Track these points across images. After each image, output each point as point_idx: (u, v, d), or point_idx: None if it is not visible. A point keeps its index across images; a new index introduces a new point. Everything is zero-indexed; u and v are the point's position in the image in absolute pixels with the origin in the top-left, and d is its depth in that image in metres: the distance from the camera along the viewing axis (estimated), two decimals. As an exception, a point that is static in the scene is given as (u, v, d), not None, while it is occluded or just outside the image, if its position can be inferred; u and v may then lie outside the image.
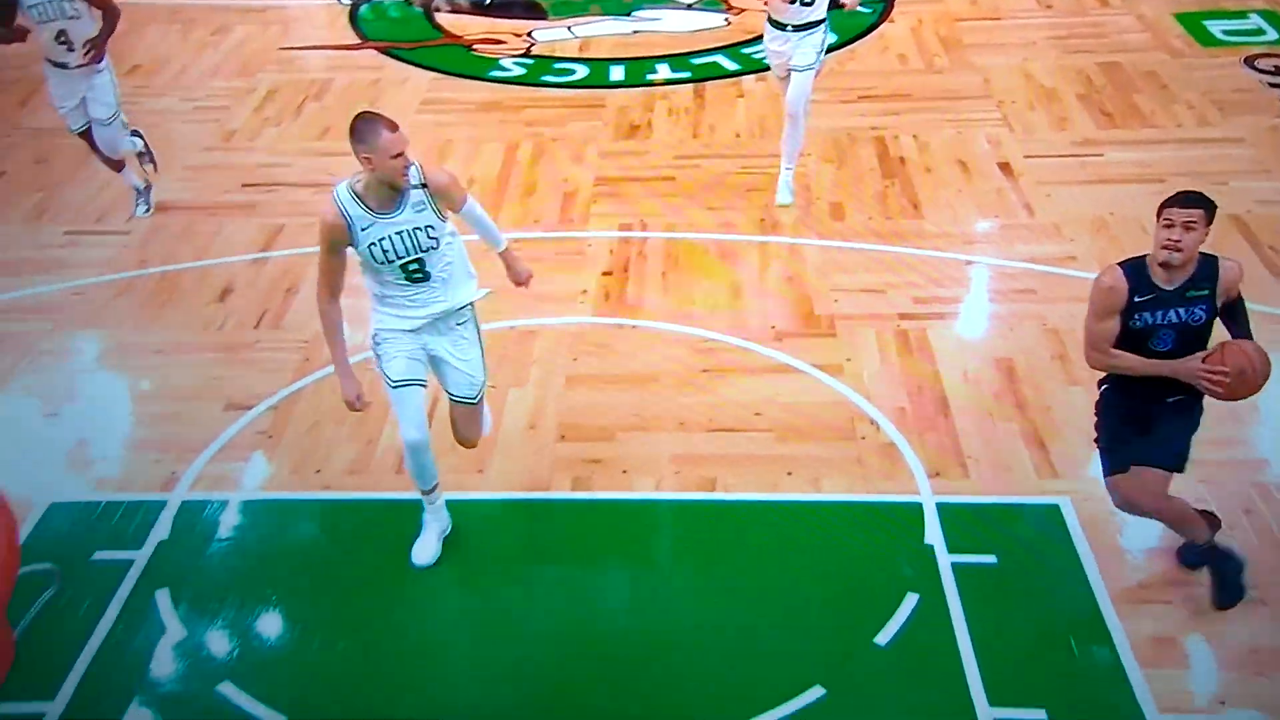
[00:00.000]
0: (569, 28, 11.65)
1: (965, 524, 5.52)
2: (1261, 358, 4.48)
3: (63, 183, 9.14)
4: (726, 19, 11.74)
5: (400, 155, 4.40)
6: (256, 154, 9.58)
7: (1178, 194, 4.50)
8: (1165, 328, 4.57)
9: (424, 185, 4.65)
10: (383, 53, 11.41)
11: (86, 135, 8.12)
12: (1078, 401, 6.11)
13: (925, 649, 4.87)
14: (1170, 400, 4.80)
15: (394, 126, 4.43)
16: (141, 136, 8.44)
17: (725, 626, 5.05)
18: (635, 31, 11.51)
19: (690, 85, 10.50)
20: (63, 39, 7.65)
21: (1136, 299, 4.55)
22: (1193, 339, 4.60)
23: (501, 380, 6.57)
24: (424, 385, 5.05)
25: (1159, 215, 4.46)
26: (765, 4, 7.99)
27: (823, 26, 7.83)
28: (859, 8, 9.68)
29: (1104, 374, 5.00)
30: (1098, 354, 4.71)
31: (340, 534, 5.74)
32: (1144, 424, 4.89)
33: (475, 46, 11.32)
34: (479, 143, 9.57)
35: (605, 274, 7.69)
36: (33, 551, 5.10)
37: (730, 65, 10.78)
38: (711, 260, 7.81)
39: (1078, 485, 5.68)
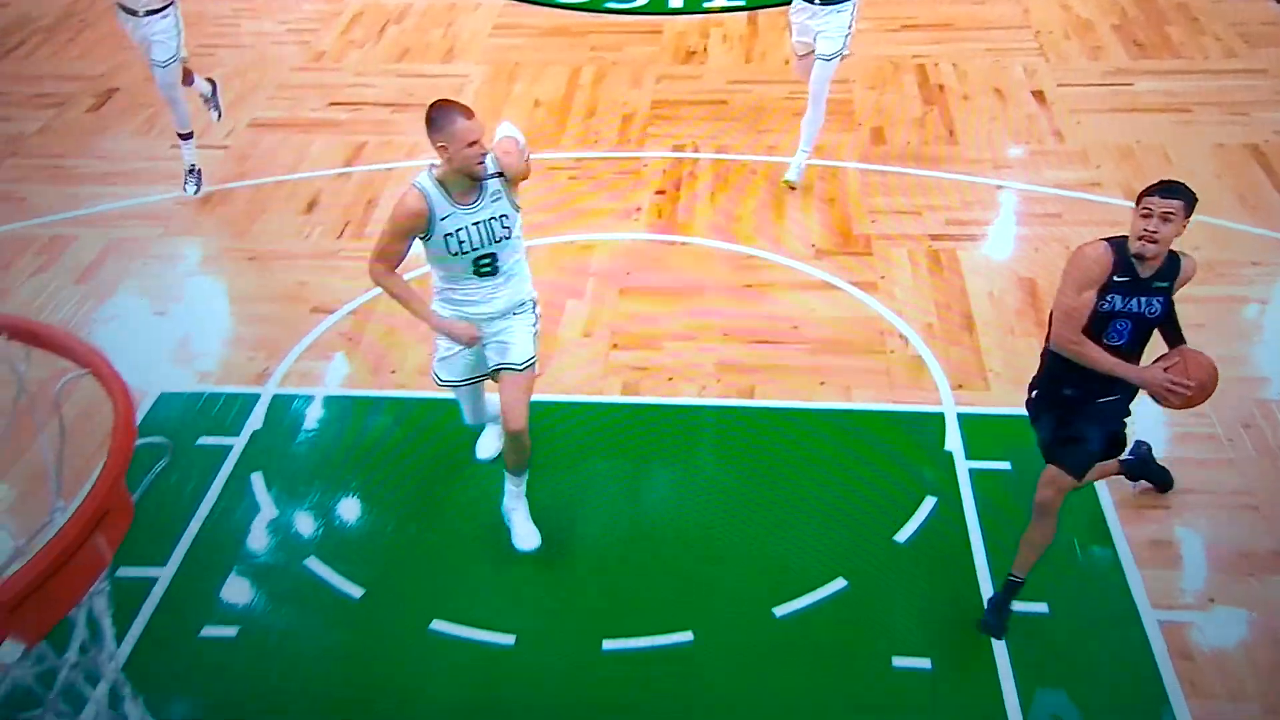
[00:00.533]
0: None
1: (984, 433, 5.47)
2: (1215, 370, 4.17)
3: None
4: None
5: (476, 143, 4.00)
6: (342, 74, 9.48)
7: (1159, 184, 4.06)
8: (1125, 316, 4.15)
9: (499, 174, 4.24)
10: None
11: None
12: (1094, 320, 6.05)
13: (940, 547, 4.89)
14: (1102, 401, 4.40)
15: (469, 114, 4.04)
16: (214, 84, 8.09)
17: (759, 521, 5.06)
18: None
19: (744, 13, 10.21)
20: None
21: (1116, 278, 4.12)
22: (1145, 332, 4.25)
23: (560, 292, 6.57)
24: (477, 384, 4.83)
25: (1138, 202, 4.04)
26: None
27: (851, 5, 6.94)
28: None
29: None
30: (1070, 335, 4.10)
31: (413, 428, 5.75)
32: (1066, 413, 4.46)
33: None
34: (544, 65, 9.40)
35: (658, 192, 7.59)
36: (145, 435, 5.21)
37: (781, -5, 10.48)
38: (758, 181, 7.66)
39: (1090, 399, 5.59)
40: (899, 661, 4.36)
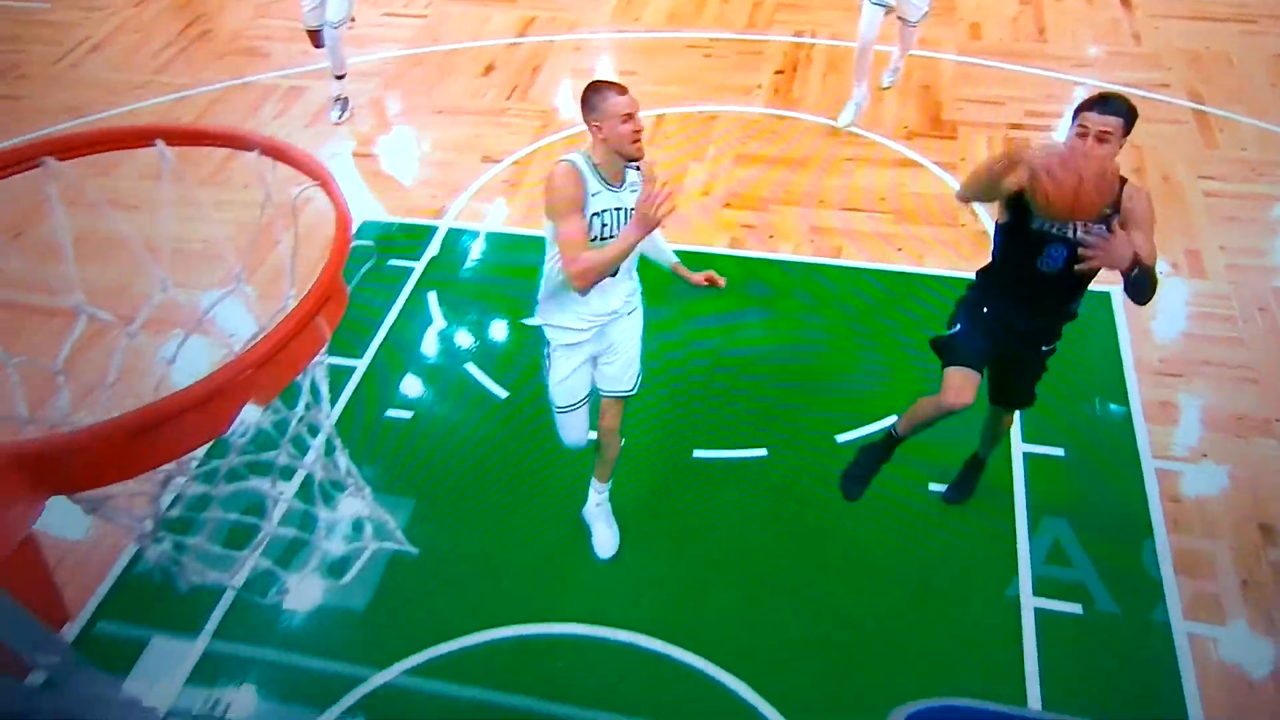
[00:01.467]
0: None
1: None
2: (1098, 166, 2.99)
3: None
4: None
5: (630, 118, 3.31)
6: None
7: (1098, 97, 3.24)
8: (1061, 241, 3.32)
9: (638, 166, 3.52)
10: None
11: (315, 35, 6.87)
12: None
13: (980, 397, 4.84)
14: (1045, 349, 3.78)
15: (623, 90, 3.35)
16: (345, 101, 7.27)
17: (830, 362, 5.11)
18: None
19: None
20: None
21: None
22: (1079, 264, 3.26)
23: (684, 155, 6.54)
24: (588, 401, 3.99)
25: (1074, 118, 3.25)
26: None
27: None
28: None
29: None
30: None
31: None
32: (999, 344, 3.71)
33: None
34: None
35: (777, 72, 7.38)
36: (352, 254, 5.44)
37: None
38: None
39: (1129, 278, 5.42)
40: (934, 486, 4.43)
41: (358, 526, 3.09)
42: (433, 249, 5.93)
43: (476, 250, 5.96)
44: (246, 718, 3.77)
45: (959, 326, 3.80)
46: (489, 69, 7.63)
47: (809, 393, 4.95)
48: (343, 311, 2.32)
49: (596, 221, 3.44)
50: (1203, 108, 6.72)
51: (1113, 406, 4.75)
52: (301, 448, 2.75)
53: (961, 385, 3.64)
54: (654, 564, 4.24)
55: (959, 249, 5.70)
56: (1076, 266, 3.22)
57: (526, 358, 5.17)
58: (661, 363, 5.01)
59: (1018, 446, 4.58)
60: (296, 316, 2.10)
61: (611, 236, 3.46)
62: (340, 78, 7.07)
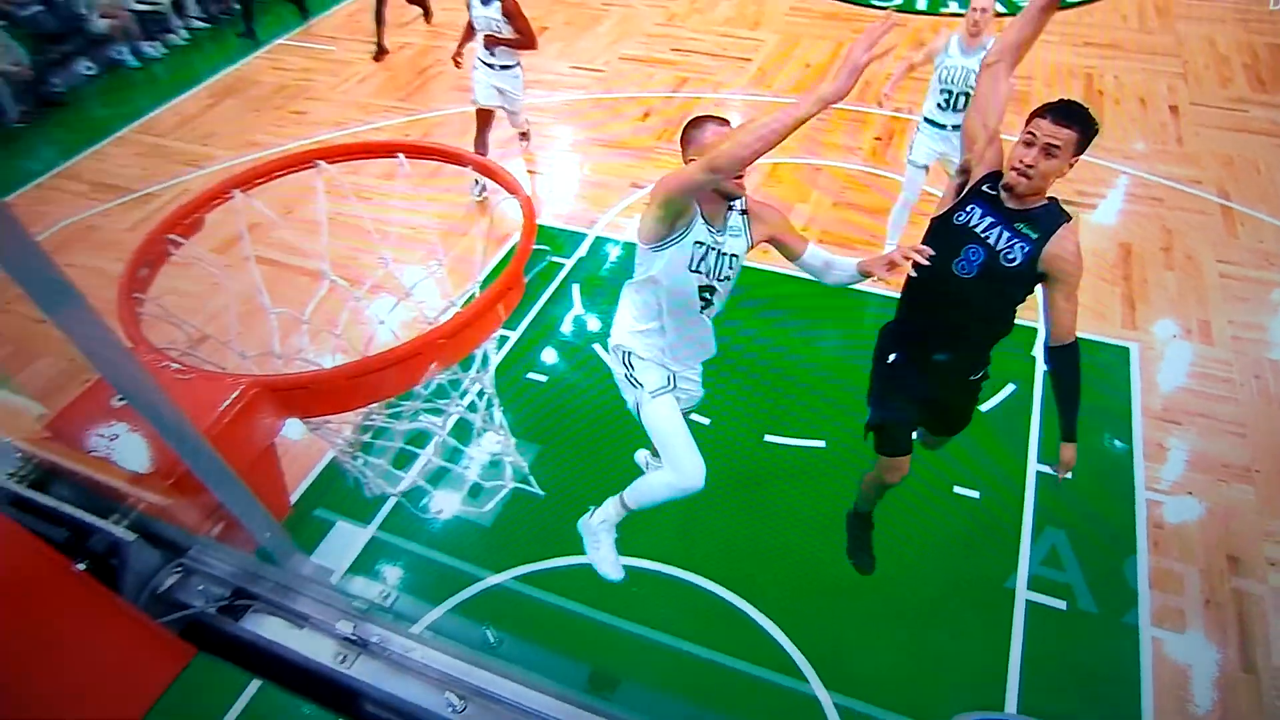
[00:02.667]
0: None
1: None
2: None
3: (573, 30, 9.27)
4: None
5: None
6: (683, 30, 9.24)
7: (1056, 103, 2.47)
8: (979, 244, 2.60)
9: (744, 211, 2.79)
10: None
11: (481, 114, 6.23)
12: (1168, 282, 5.54)
13: (1008, 420, 4.72)
14: (973, 379, 3.06)
15: (724, 122, 2.63)
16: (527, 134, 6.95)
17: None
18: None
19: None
20: (488, 45, 5.90)
21: (985, 187, 2.64)
22: (996, 283, 2.61)
23: (791, 196, 6.48)
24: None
25: (1027, 123, 2.49)
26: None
27: None
28: None
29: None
30: None
31: None
32: (922, 396, 3.07)
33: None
34: (819, 39, 8.90)
35: (876, 138, 7.24)
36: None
37: (999, 6, 9.37)
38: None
39: (1148, 339, 5.18)
40: (957, 489, 4.34)
41: (497, 465, 3.20)
42: (581, 251, 6.04)
43: (615, 255, 6.03)
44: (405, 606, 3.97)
45: (880, 410, 3.13)
46: (647, 115, 7.68)
47: (859, 394, 4.81)
48: (518, 300, 2.35)
49: (697, 252, 2.66)
50: (1229, 204, 6.32)
51: (1118, 442, 4.56)
52: (467, 400, 2.87)
53: (899, 466, 3.14)
54: (717, 522, 4.25)
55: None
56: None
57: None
58: (728, 355, 4.96)
59: (1032, 465, 4.44)
60: (483, 301, 2.15)
61: (704, 274, 2.70)
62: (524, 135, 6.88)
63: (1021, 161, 2.49)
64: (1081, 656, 3.66)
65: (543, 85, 8.14)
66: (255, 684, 3.48)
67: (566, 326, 5.43)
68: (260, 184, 2.58)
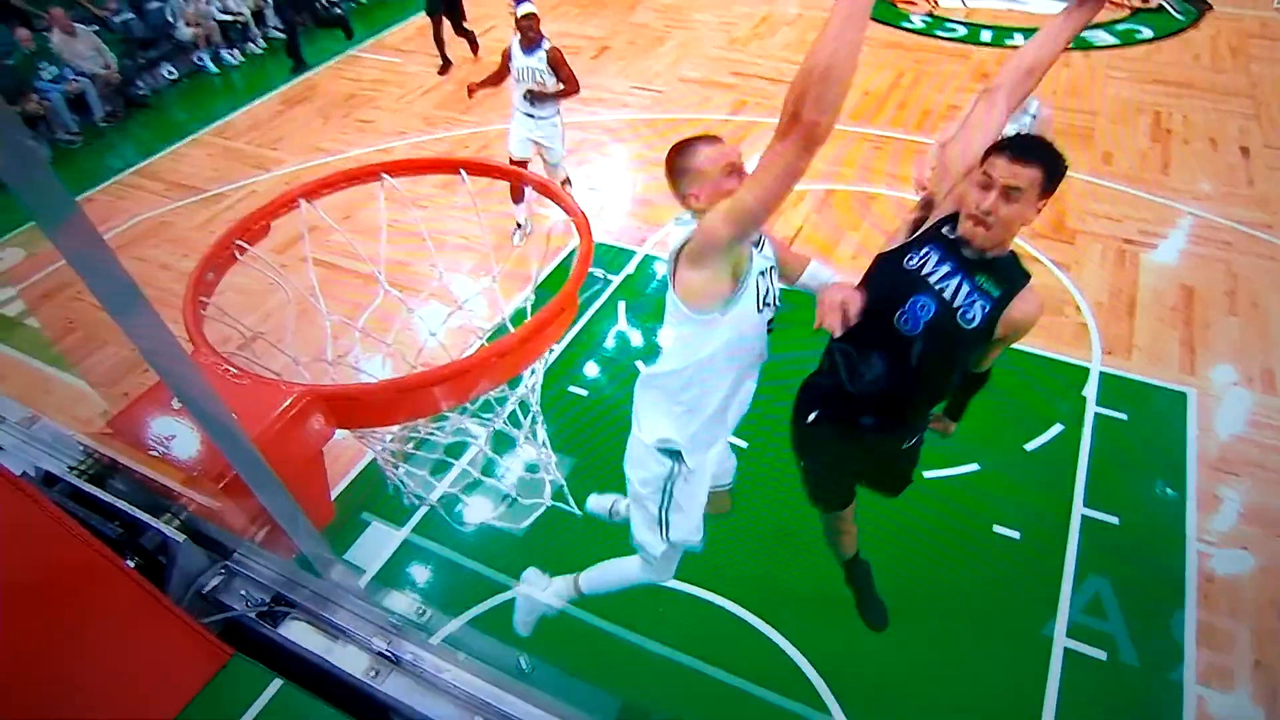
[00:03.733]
0: (964, 1, 10.31)
1: (1115, 388, 4.99)
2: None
3: (635, 49, 9.30)
4: (1076, 5, 9.98)
5: (733, 167, 2.15)
6: (744, 55, 9.27)
7: (1015, 139, 2.07)
8: (931, 295, 2.15)
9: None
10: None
11: (517, 164, 5.80)
12: (1230, 327, 5.35)
13: (1055, 460, 4.57)
14: (905, 446, 2.59)
15: (715, 139, 2.28)
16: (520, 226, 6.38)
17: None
18: (1009, 9, 10.05)
19: (1033, 49, 9.12)
20: (529, 96, 5.64)
21: (945, 228, 2.20)
22: (945, 344, 2.18)
23: (843, 224, 6.39)
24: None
25: (981, 162, 2.06)
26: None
27: None
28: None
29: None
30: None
31: None
32: (851, 466, 2.73)
33: (898, 2, 10.28)
34: (879, 67, 8.84)
35: (933, 169, 7.11)
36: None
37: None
38: (1005, 175, 7.03)
39: (1206, 385, 4.99)
40: (997, 528, 4.22)
41: (535, 483, 3.20)
42: (629, 268, 6.03)
43: (662, 273, 5.97)
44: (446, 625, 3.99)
45: (805, 469, 2.75)
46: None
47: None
48: (570, 321, 2.32)
49: (761, 282, 2.27)
50: (1301, 249, 6.11)
51: (1170, 490, 4.40)
52: (512, 416, 2.87)
53: (844, 517, 2.90)
54: (743, 548, 4.15)
55: (1059, 335, 5.37)
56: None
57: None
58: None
59: (1078, 508, 4.31)
60: (536, 322, 2.10)
61: (769, 304, 2.30)
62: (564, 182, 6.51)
63: (978, 207, 2.03)
64: (1121, 710, 3.52)
65: (600, 103, 8.20)
66: (278, 683, 3.52)
67: (610, 341, 5.42)
68: (326, 194, 2.62)
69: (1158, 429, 4.71)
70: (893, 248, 2.30)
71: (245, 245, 2.42)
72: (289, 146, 7.72)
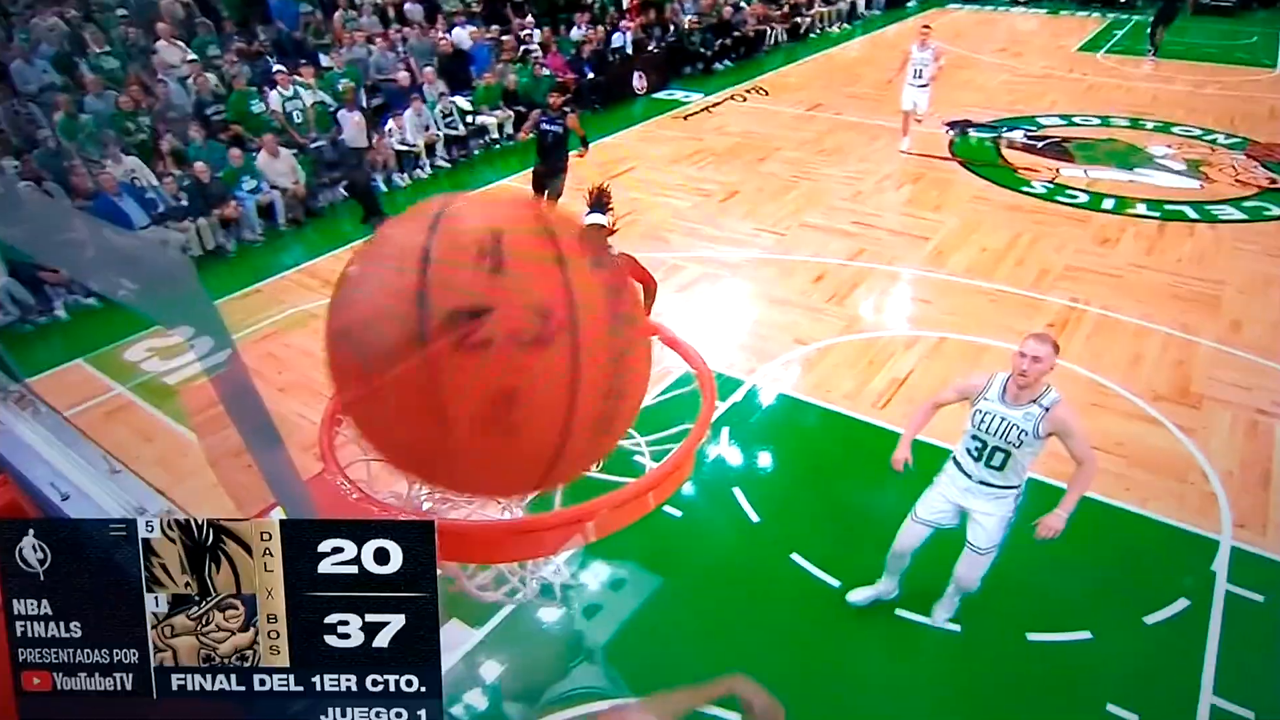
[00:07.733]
0: (1085, 170, 10.06)
1: (1249, 566, 4.41)
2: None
3: (763, 195, 9.47)
4: (1200, 184, 9.58)
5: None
6: (866, 207, 9.21)
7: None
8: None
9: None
10: (962, 165, 10.44)
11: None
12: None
13: (1178, 639, 4.02)
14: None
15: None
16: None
17: (1030, 564, 4.26)
18: (1131, 180, 9.75)
19: (1157, 221, 8.69)
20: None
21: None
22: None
23: (954, 373, 6.04)
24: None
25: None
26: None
27: (1014, 494, 3.62)
28: None
29: None
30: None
31: (829, 438, 5.55)
32: None
33: (1019, 170, 10.16)
34: (998, 227, 8.59)
35: (1048, 325, 6.74)
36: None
37: (1192, 214, 8.80)
38: (1127, 338, 6.56)
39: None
40: (1111, 707, 3.68)
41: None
42: (736, 396, 5.88)
43: (766, 404, 5.85)
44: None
45: None
46: (819, 278, 7.61)
47: (1008, 585, 4.14)
48: (686, 478, 2.10)
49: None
50: None
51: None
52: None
53: None
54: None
55: (1184, 501, 4.83)
56: None
57: (782, 492, 4.97)
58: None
59: (1206, 696, 3.70)
60: (650, 479, 1.95)
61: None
62: None
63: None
64: None
65: (725, 241, 8.32)
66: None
67: (704, 460, 5.23)
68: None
69: (1301, 616, 4.07)
70: None
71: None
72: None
